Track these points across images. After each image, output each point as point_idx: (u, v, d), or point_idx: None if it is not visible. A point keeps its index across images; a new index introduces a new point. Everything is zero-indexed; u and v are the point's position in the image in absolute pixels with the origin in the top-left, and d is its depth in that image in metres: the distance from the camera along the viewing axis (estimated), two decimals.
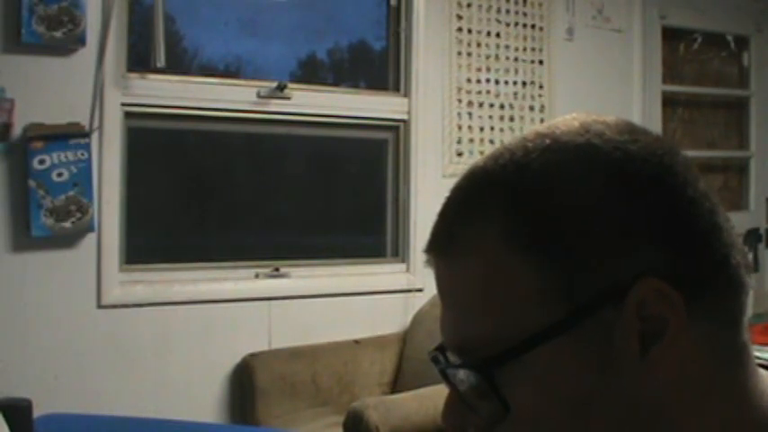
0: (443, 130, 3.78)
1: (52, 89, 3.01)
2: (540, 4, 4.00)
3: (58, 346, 3.02)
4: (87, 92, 3.07)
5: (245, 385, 3.26)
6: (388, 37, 3.79)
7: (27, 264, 2.99)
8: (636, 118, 4.06)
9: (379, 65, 3.85)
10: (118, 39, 3.11)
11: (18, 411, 2.02)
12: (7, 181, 2.95)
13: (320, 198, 3.79)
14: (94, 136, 3.07)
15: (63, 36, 2.99)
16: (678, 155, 0.64)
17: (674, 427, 0.60)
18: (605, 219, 0.60)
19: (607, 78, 4.20)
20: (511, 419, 0.61)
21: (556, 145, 0.63)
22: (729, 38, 4.83)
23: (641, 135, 0.64)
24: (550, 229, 0.60)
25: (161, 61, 3.12)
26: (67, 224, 3.01)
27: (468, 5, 3.82)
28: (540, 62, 4.01)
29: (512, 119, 3.94)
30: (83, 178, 3.02)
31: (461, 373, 0.64)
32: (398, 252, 3.74)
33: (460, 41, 3.81)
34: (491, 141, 3.86)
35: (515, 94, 3.95)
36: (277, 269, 3.47)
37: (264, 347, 3.34)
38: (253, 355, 3.27)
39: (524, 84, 3.97)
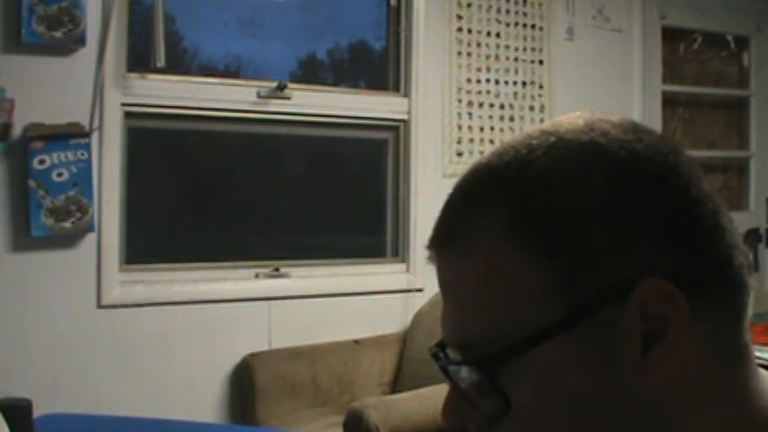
0: (443, 130, 3.78)
1: (52, 89, 3.01)
2: (540, 4, 4.00)
3: (58, 346, 3.02)
4: (87, 92, 3.07)
5: (245, 385, 3.26)
6: (388, 37, 3.79)
7: (27, 264, 2.99)
8: (636, 118, 3.99)
9: (379, 65, 3.85)
10: (118, 39, 3.11)
11: (18, 411, 2.02)
12: (7, 181, 2.95)
13: (320, 198, 3.79)
14: (94, 136, 3.07)
15: (63, 36, 2.99)
16: (682, 155, 0.64)
17: (674, 426, 0.60)
18: (608, 218, 0.60)
19: (607, 78, 4.20)
20: (511, 417, 0.61)
21: (560, 143, 0.63)
22: (729, 38, 4.83)
23: (646, 134, 0.64)
24: (553, 228, 0.60)
25: (161, 61, 3.12)
26: (67, 224, 3.01)
27: (468, 5, 3.82)
28: (540, 62, 4.01)
29: (512, 119, 3.94)
30: (83, 178, 3.02)
31: (463, 370, 0.64)
32: (398, 252, 3.75)
33: (460, 41, 3.81)
34: (491, 141, 3.86)
35: (515, 94, 3.95)
36: (277, 269, 3.47)
37: (264, 347, 3.34)
38: (253, 355, 3.27)
39: (524, 84, 3.97)
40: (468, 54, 3.83)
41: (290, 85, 3.48)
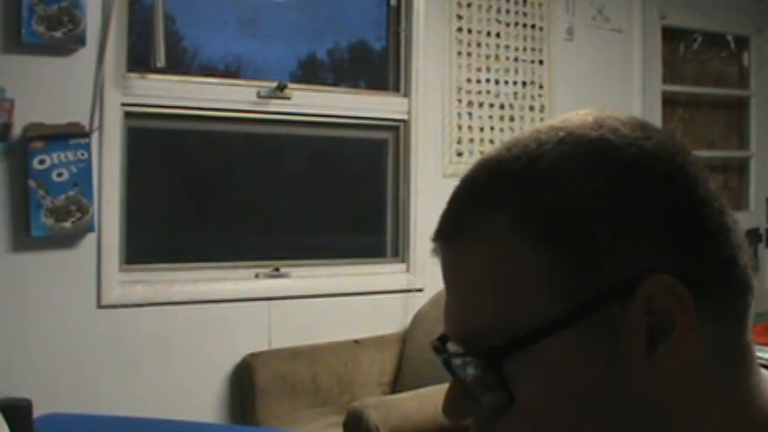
0: (443, 130, 3.78)
1: (52, 89, 3.01)
2: (540, 4, 4.00)
3: (58, 346, 3.02)
4: (87, 92, 3.07)
5: (245, 385, 3.26)
6: (388, 37, 3.79)
7: (27, 264, 2.99)
8: None
9: (379, 65, 3.85)
10: (118, 39, 3.11)
11: (18, 411, 2.01)
12: (7, 181, 2.95)
13: (320, 198, 3.79)
14: (94, 136, 3.07)
15: (63, 36, 2.99)
16: (690, 155, 0.64)
17: (675, 425, 0.60)
18: (616, 214, 0.60)
19: (607, 78, 4.20)
20: (514, 411, 0.61)
21: (569, 138, 0.63)
22: (729, 38, 4.83)
23: (654, 133, 0.64)
24: (561, 222, 0.60)
25: (161, 61, 3.12)
26: (67, 224, 3.01)
27: (468, 5, 3.82)
28: (540, 62, 4.01)
29: (512, 119, 3.94)
30: (83, 178, 3.02)
31: (466, 363, 0.63)
32: (398, 252, 3.74)
33: (460, 41, 3.81)
34: (491, 141, 3.86)
35: (515, 94, 3.95)
36: (277, 269, 3.47)
37: (264, 347, 3.34)
38: (253, 355, 3.27)
39: (524, 84, 3.97)
40: (468, 54, 3.83)
41: (290, 85, 3.48)
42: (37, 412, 2.14)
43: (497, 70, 3.90)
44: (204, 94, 3.32)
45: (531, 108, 3.99)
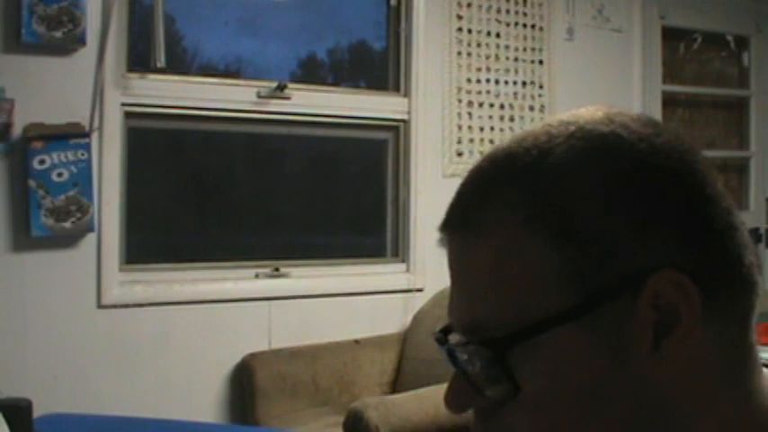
0: (443, 130, 3.78)
1: (52, 89, 3.01)
2: (540, 4, 4.00)
3: (58, 346, 3.02)
4: (87, 92, 3.07)
5: (245, 385, 3.26)
6: (388, 37, 3.79)
7: (27, 264, 2.98)
8: None
9: (379, 65, 3.85)
10: (118, 39, 3.11)
11: (18, 411, 2.01)
12: (7, 181, 2.95)
13: (320, 198, 3.79)
14: (94, 136, 3.07)
15: (63, 36, 2.99)
16: (698, 153, 0.64)
17: (677, 422, 0.60)
18: (625, 209, 0.60)
19: (607, 78, 4.20)
20: (517, 402, 0.61)
21: (580, 132, 0.63)
22: (729, 38, 4.83)
23: (663, 131, 0.64)
24: (571, 216, 0.60)
25: (161, 61, 3.12)
26: (67, 224, 3.01)
27: (468, 5, 3.82)
28: (540, 62, 4.01)
29: (512, 119, 3.94)
30: (83, 178, 3.02)
31: (471, 353, 0.63)
32: (398, 252, 3.74)
33: (460, 41, 3.81)
34: (491, 141, 3.86)
35: (515, 94, 3.95)
36: (277, 269, 3.47)
37: (264, 347, 3.33)
38: (253, 355, 3.27)
39: (524, 84, 3.97)
40: (468, 54, 3.83)
41: (290, 85, 3.48)
42: (37, 412, 2.14)
43: (497, 70, 3.90)
44: (204, 94, 3.32)
45: (531, 108, 3.99)
